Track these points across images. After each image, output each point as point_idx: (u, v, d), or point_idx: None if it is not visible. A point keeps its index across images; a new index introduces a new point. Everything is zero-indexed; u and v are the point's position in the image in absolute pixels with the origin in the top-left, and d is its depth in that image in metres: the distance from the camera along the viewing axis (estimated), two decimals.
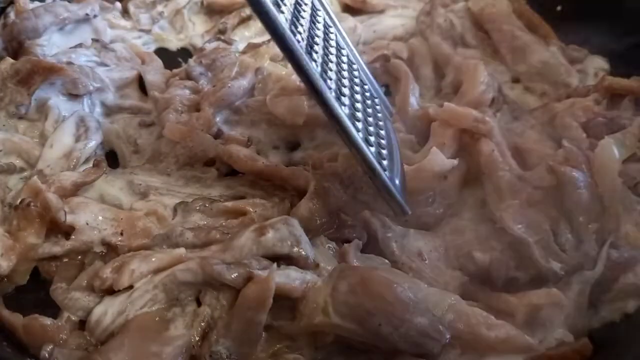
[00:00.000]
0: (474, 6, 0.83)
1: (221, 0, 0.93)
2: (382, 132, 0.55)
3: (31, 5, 0.82)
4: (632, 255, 0.57)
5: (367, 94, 0.59)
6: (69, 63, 0.71)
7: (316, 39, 0.50)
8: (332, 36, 0.58)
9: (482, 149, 0.61)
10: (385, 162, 0.51)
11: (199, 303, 0.50)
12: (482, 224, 0.59)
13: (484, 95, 0.69)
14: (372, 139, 0.50)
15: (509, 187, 0.58)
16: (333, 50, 0.55)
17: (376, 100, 0.63)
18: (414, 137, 0.66)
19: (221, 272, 0.48)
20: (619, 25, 0.77)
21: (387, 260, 0.55)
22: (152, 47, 0.89)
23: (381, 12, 0.91)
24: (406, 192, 0.54)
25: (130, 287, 0.50)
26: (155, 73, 0.77)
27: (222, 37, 0.85)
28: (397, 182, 0.52)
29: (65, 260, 0.56)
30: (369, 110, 0.55)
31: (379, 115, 0.58)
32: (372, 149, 0.49)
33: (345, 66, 0.55)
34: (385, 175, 0.50)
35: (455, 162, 0.58)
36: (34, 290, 0.56)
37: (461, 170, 0.60)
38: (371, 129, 0.52)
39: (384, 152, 0.52)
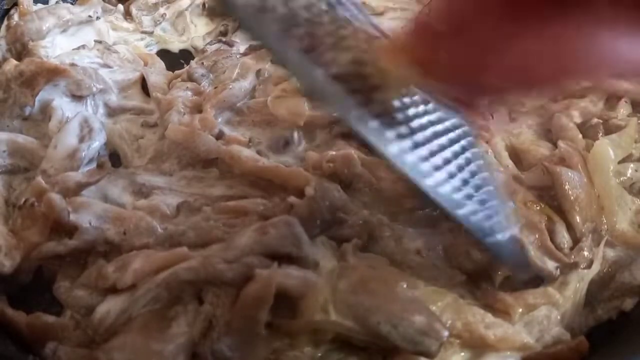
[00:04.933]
0: None
1: None
2: (483, 176, 0.45)
3: (35, 8, 0.83)
4: (628, 254, 0.58)
5: (453, 134, 0.45)
6: (73, 64, 0.71)
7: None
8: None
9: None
10: (494, 220, 0.43)
11: (200, 301, 0.50)
12: None
13: None
14: (475, 205, 0.42)
15: (504, 187, 0.59)
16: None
17: (464, 129, 0.47)
18: None
19: (223, 271, 0.48)
20: None
21: (386, 259, 0.56)
22: (154, 49, 0.89)
23: (381, 14, 0.92)
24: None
25: (133, 285, 0.50)
26: (157, 74, 0.77)
27: (224, 39, 0.86)
28: (504, 236, 0.44)
29: (69, 259, 0.56)
30: (461, 161, 0.44)
31: (470, 153, 0.46)
32: (480, 215, 0.41)
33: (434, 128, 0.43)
34: (498, 244, 0.42)
35: None
36: (38, 289, 0.57)
37: None
38: (471, 190, 0.42)
39: (490, 204, 0.43)
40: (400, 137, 0.38)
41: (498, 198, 0.46)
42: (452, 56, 0.32)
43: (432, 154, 0.40)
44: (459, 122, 0.47)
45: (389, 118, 0.37)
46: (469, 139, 0.47)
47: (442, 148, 0.42)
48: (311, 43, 0.36)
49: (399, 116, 0.38)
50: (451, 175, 0.41)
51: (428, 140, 0.41)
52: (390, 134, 0.37)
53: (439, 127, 0.43)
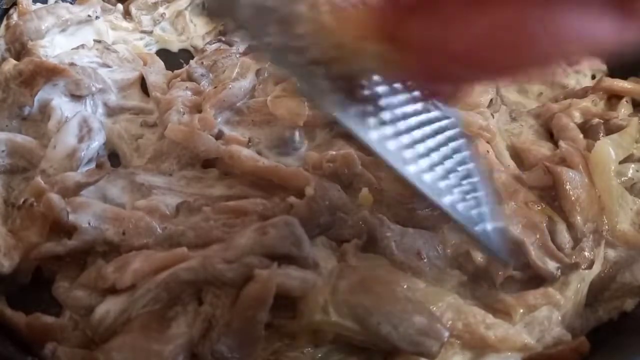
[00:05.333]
0: None
1: None
2: (468, 167, 0.46)
3: (34, 7, 0.82)
4: (629, 255, 0.58)
5: (438, 125, 0.46)
6: (72, 64, 0.71)
7: None
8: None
9: (478, 150, 0.61)
10: (480, 210, 0.44)
11: (200, 301, 0.50)
12: None
13: (482, 97, 0.69)
14: (461, 195, 0.42)
15: (505, 188, 0.59)
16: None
17: (451, 121, 0.48)
18: None
19: (222, 271, 0.48)
20: None
21: (386, 260, 0.55)
22: (154, 49, 0.89)
23: None
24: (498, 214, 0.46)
25: (133, 286, 0.50)
26: (157, 74, 0.77)
27: (223, 39, 0.86)
28: (488, 227, 0.44)
29: (68, 259, 0.56)
30: (446, 151, 0.45)
31: (457, 144, 0.47)
32: (465, 204, 0.42)
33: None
34: (485, 233, 0.43)
35: None
36: (37, 289, 0.57)
37: None
38: (456, 180, 0.43)
39: (476, 195, 0.44)
40: (382, 124, 0.38)
41: (484, 189, 0.46)
42: (418, 30, 0.31)
43: (415, 142, 0.40)
44: (445, 113, 0.47)
45: (368, 105, 0.37)
46: (456, 130, 0.47)
47: (426, 137, 0.42)
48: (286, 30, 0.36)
49: (380, 103, 0.39)
50: (435, 164, 0.41)
51: (411, 128, 0.41)
52: (371, 120, 0.37)
53: (423, 117, 0.44)
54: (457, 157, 0.45)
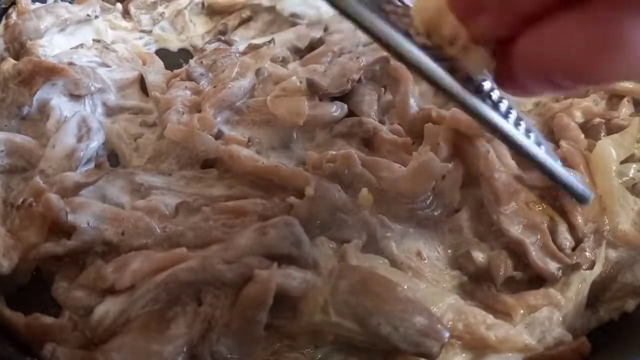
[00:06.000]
0: None
1: (222, 1, 0.93)
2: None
3: (33, 6, 0.82)
4: (630, 255, 0.58)
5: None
6: (71, 64, 0.71)
7: None
8: None
9: (479, 151, 0.61)
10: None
11: (199, 302, 0.50)
12: (480, 224, 0.59)
13: None
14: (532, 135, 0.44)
15: (506, 188, 0.59)
16: None
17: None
18: (409, 139, 0.66)
19: (222, 272, 0.48)
20: None
21: (386, 260, 0.55)
22: (153, 48, 0.89)
23: None
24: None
25: (132, 286, 0.50)
26: (156, 74, 0.77)
27: (223, 38, 0.86)
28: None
29: (67, 259, 0.56)
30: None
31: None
32: (542, 148, 0.43)
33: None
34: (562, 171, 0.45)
35: (449, 165, 0.58)
36: (36, 290, 0.57)
37: (459, 171, 0.60)
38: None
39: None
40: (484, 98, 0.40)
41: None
42: (491, 19, 0.32)
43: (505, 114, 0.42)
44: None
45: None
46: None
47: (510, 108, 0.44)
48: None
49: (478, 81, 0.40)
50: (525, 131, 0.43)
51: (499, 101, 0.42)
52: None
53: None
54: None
